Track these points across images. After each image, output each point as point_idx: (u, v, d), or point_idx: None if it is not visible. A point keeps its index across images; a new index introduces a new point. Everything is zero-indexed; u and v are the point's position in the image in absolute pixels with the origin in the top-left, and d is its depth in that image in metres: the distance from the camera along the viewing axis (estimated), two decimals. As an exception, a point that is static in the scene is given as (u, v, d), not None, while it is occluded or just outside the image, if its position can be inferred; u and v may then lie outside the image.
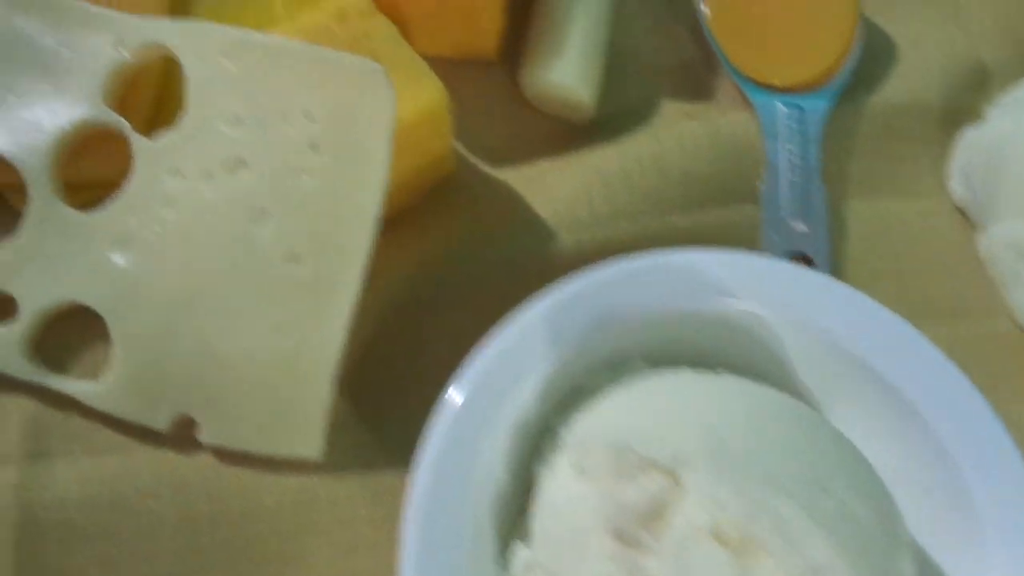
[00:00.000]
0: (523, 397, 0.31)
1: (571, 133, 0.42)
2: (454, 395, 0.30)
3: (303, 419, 0.33)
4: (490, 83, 0.43)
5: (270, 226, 0.33)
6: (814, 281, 0.34)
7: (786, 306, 0.33)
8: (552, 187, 0.39)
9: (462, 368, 0.30)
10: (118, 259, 0.35)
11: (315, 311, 0.33)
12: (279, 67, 0.34)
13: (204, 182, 0.34)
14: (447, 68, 0.37)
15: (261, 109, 0.34)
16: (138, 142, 0.36)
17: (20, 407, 0.35)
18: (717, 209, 0.39)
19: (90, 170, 0.38)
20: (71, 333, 0.36)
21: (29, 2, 0.38)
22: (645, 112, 0.42)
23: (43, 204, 0.36)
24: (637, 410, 0.30)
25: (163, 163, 0.35)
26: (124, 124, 0.36)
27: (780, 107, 0.41)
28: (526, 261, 0.37)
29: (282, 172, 0.33)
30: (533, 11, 0.43)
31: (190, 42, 0.35)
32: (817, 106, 0.42)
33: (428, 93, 0.35)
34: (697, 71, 0.44)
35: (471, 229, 0.38)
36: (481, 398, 0.30)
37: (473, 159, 0.41)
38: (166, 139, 0.35)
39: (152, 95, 0.39)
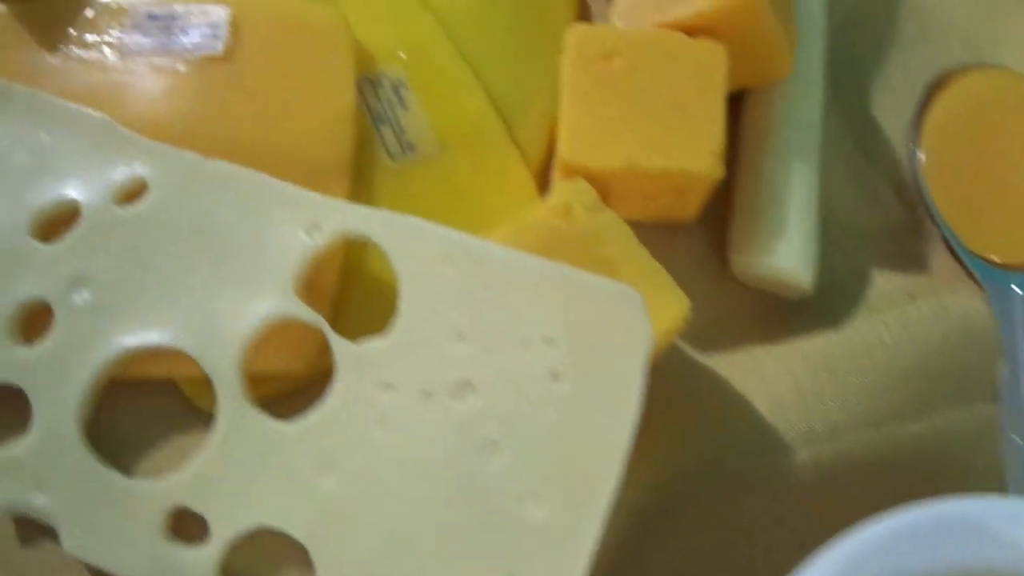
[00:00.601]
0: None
1: (780, 309, 0.39)
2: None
3: (529, 669, 0.30)
4: (686, 246, 0.40)
5: (502, 460, 0.30)
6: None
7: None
8: (772, 380, 0.36)
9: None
10: (322, 482, 0.31)
11: (551, 557, 0.30)
12: (512, 282, 0.31)
13: (422, 403, 0.31)
14: (638, 230, 0.34)
15: (490, 327, 0.31)
16: (340, 346, 0.32)
17: (211, 642, 0.32)
18: (953, 410, 0.36)
19: (272, 363, 0.35)
20: (266, 556, 0.32)
21: (218, 176, 0.35)
22: (859, 286, 0.39)
23: (233, 410, 0.33)
24: None
25: (372, 374, 0.32)
26: (322, 322, 0.33)
27: (1016, 291, 0.38)
28: (759, 480, 0.34)
29: (517, 401, 0.30)
30: (736, 174, 0.39)
31: (403, 240, 0.32)
32: (1055, 287, 0.38)
33: (672, 308, 0.32)
34: (906, 236, 0.41)
35: (691, 434, 0.35)
36: None
37: (676, 339, 0.38)
38: (375, 347, 0.32)
39: (337, 279, 0.36)
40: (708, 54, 0.36)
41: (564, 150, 0.34)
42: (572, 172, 0.35)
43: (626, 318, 0.29)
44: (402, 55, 0.40)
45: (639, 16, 0.37)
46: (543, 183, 0.40)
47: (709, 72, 0.36)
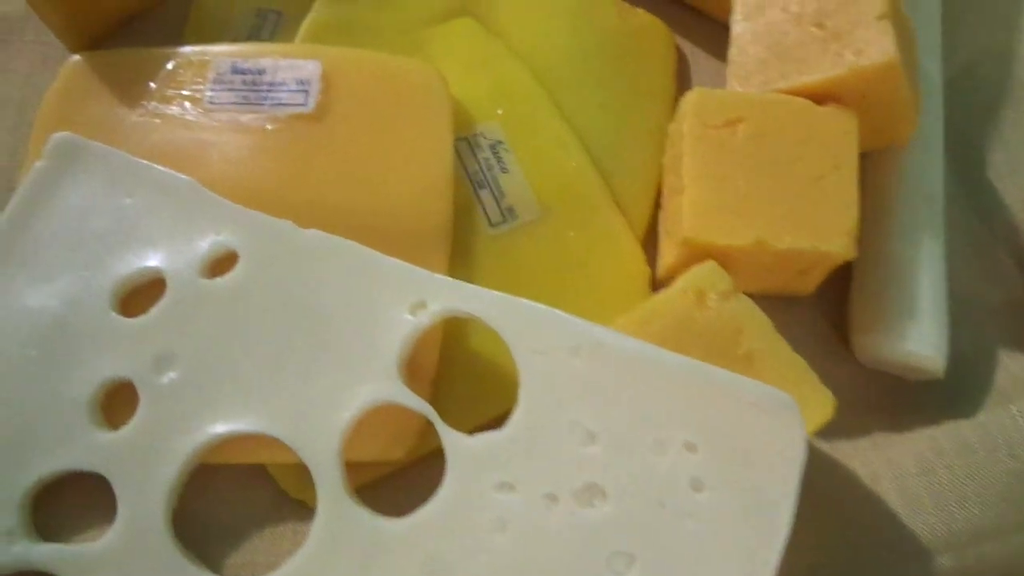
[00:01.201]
0: None
1: (903, 392, 0.36)
2: None
3: None
4: (801, 321, 0.37)
5: (636, 575, 0.28)
6: None
7: None
8: (907, 476, 0.33)
9: None
10: (435, 589, 0.29)
11: None
12: (646, 379, 0.28)
13: (546, 507, 0.28)
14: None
15: (622, 427, 0.28)
16: (451, 439, 0.30)
17: None
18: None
19: (370, 451, 0.33)
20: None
21: (314, 247, 0.32)
22: (985, 368, 0.37)
23: (334, 504, 0.30)
24: None
25: (488, 472, 0.29)
26: (430, 411, 0.31)
27: None
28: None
29: (653, 510, 0.28)
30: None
31: (523, 327, 0.30)
32: None
33: (817, 407, 0.29)
34: (1030, 312, 0.38)
35: (826, 538, 0.32)
36: None
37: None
38: (491, 441, 0.30)
39: (436, 356, 0.34)
40: (839, 122, 0.33)
41: (688, 226, 0.32)
42: (695, 248, 0.32)
43: (777, 425, 0.27)
44: (500, 112, 0.38)
45: (760, 80, 0.35)
46: (648, 248, 0.38)
47: (840, 142, 0.33)
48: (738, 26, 0.37)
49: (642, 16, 0.42)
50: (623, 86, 0.40)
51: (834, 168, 0.33)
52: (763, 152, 0.33)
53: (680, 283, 0.31)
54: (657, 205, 0.38)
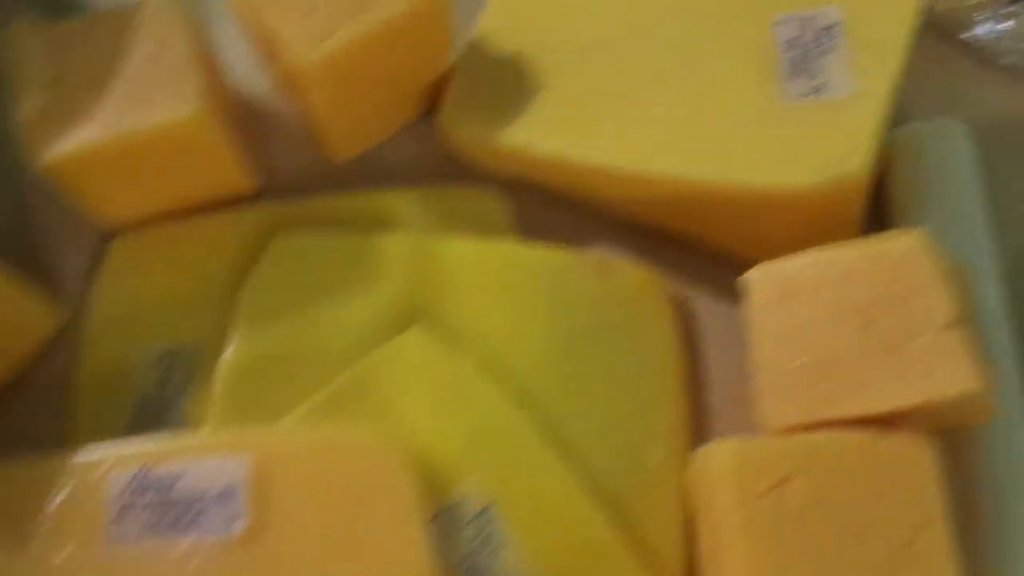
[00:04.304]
0: None
1: None
2: None
3: None
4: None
5: None
6: None
7: None
8: None
9: None
10: None
11: None
12: None
13: None
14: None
15: None
16: None
17: None
18: None
19: None
20: None
21: None
22: None
23: None
24: None
25: None
26: None
27: None
28: None
29: None
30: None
31: None
32: None
33: None
34: None
35: None
36: None
37: None
38: None
39: None
40: (914, 456, 0.26)
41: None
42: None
43: None
44: (480, 458, 0.30)
45: (800, 406, 0.27)
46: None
47: (923, 485, 0.26)
48: (757, 320, 0.29)
49: (624, 271, 0.34)
50: (621, 376, 0.33)
51: (924, 524, 0.25)
52: (829, 521, 0.26)
53: None
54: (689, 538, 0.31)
